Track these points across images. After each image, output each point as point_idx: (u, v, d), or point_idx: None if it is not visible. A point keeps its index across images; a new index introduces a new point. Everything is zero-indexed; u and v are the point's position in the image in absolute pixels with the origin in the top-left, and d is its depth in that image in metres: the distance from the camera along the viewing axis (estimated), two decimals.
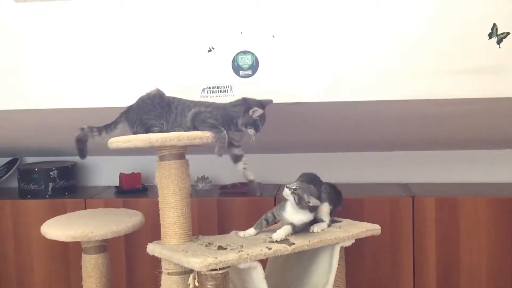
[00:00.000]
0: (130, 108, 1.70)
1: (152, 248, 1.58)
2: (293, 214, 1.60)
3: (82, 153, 1.72)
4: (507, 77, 1.73)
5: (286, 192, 1.57)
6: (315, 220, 1.67)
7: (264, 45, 1.80)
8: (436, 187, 2.39)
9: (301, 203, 1.57)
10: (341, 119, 2.06)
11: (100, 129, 1.68)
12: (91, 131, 1.68)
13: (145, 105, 1.67)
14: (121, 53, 1.86)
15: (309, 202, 1.56)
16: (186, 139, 1.50)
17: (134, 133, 1.65)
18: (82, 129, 1.69)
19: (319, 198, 1.61)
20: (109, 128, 1.69)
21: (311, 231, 1.63)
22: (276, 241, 1.55)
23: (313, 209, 1.61)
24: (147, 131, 1.64)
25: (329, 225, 1.68)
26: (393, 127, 2.15)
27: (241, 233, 1.64)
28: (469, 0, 1.71)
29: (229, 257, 1.42)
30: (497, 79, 1.74)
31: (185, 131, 1.63)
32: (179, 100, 1.70)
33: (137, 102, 1.71)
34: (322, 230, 1.65)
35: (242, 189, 2.39)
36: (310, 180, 1.67)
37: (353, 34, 1.76)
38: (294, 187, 1.57)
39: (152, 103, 1.67)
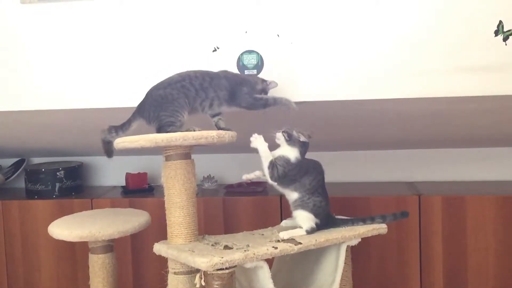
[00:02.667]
0: (143, 104, 1.66)
1: (159, 248, 1.58)
2: (281, 150, 1.63)
3: (109, 152, 1.71)
4: None
5: (277, 135, 1.62)
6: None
7: (269, 44, 1.80)
8: (443, 185, 2.38)
9: (291, 139, 1.61)
10: (347, 118, 2.06)
11: (116, 129, 1.66)
12: (109, 132, 1.66)
13: (162, 101, 1.62)
14: (127, 54, 1.86)
15: (299, 137, 1.60)
16: (192, 139, 1.50)
17: (155, 128, 1.63)
18: (103, 131, 1.67)
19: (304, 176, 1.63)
20: (124, 127, 1.66)
21: (280, 237, 1.58)
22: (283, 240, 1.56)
23: (303, 147, 1.63)
24: (161, 130, 1.60)
25: (308, 233, 1.61)
26: (399, 125, 2.14)
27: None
28: None
29: (235, 256, 1.42)
30: (503, 77, 1.73)
31: (216, 105, 1.65)
32: (189, 75, 1.66)
33: (151, 97, 1.64)
34: (290, 237, 1.58)
35: (248, 188, 2.39)
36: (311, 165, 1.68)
37: (359, 33, 1.76)
38: (283, 129, 1.62)
39: (167, 97, 1.62)
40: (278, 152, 1.64)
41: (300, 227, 1.63)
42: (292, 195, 1.65)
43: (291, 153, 1.63)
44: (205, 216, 2.25)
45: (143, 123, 1.67)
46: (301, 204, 1.63)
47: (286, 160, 1.62)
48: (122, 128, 1.66)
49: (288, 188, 1.64)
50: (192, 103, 1.63)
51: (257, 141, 1.62)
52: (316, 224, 1.63)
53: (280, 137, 1.63)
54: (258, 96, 1.68)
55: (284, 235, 1.59)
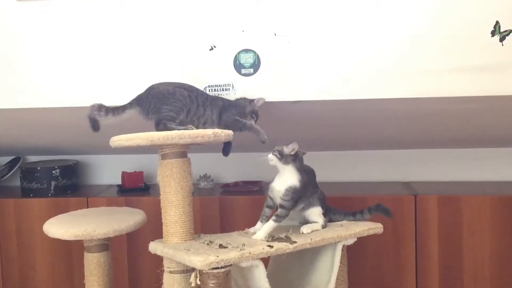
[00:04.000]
0: (144, 95, 1.67)
1: (154, 247, 1.58)
2: (281, 179, 1.62)
3: (95, 127, 1.68)
4: (510, 74, 1.72)
5: (269, 156, 1.61)
6: (307, 221, 1.68)
7: (265, 43, 1.80)
8: (439, 185, 2.39)
9: (283, 156, 1.60)
10: (343, 118, 2.06)
11: (107, 110, 1.64)
12: (99, 109, 1.64)
13: (168, 96, 1.65)
14: (123, 52, 1.86)
15: (291, 152, 1.60)
16: (188, 137, 1.50)
17: (148, 119, 1.64)
18: (93, 106, 1.65)
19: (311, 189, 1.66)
20: (116, 111, 1.64)
21: (300, 231, 1.62)
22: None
23: (297, 161, 1.62)
24: (161, 122, 1.62)
25: (323, 226, 1.66)
26: (396, 125, 2.14)
27: (251, 229, 1.65)
28: None
29: (231, 255, 1.42)
30: (500, 77, 1.73)
31: (209, 125, 1.69)
32: (196, 90, 1.72)
33: (157, 90, 1.67)
34: (312, 231, 1.62)
35: (245, 187, 2.39)
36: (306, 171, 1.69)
37: (356, 32, 1.76)
38: (274, 149, 1.62)
39: (176, 94, 1.65)
40: (278, 185, 1.63)
41: (315, 222, 1.66)
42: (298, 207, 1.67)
43: (292, 178, 1.62)
44: (201, 215, 2.24)
45: (136, 114, 1.66)
46: (310, 204, 1.67)
47: (293, 190, 1.61)
48: (113, 111, 1.65)
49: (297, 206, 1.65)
50: (190, 115, 1.68)
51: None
52: (323, 214, 1.68)
53: (272, 158, 1.61)
54: (240, 119, 1.72)
55: (305, 229, 1.62)
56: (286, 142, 2.40)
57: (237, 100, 1.78)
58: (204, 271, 1.40)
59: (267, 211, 1.66)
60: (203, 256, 1.40)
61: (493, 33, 1.70)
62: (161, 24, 1.83)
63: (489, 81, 1.73)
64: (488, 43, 1.71)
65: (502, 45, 1.71)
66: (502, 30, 1.70)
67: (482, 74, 1.73)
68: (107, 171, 2.66)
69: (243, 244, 1.51)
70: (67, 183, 2.47)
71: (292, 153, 1.61)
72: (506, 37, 1.70)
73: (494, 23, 1.70)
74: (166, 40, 1.83)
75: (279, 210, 1.61)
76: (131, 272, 2.31)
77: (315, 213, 1.68)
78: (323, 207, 1.69)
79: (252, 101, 1.76)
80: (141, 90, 1.73)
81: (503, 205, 2.12)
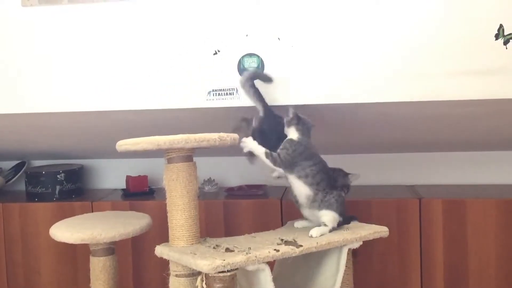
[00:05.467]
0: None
1: (160, 250, 1.58)
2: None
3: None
4: None
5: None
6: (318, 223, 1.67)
7: (269, 47, 1.80)
8: (443, 188, 2.38)
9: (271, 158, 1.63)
10: (347, 121, 2.06)
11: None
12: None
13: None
14: (127, 57, 1.86)
15: (288, 115, 1.67)
16: (194, 141, 1.51)
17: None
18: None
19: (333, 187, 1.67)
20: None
21: (309, 235, 1.61)
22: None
23: (299, 122, 1.68)
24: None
25: (330, 231, 1.64)
26: (400, 129, 2.14)
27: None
28: (475, 1, 1.70)
29: (237, 259, 1.42)
30: (504, 80, 1.73)
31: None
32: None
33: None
34: (321, 235, 1.61)
35: (249, 191, 2.39)
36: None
37: (359, 36, 1.76)
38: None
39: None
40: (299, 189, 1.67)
41: (325, 225, 1.65)
42: (303, 190, 1.65)
43: (291, 134, 1.67)
44: (206, 219, 2.25)
45: None
46: (325, 204, 1.65)
47: (288, 141, 1.64)
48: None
49: (295, 172, 1.64)
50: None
51: (248, 143, 1.66)
52: (339, 222, 1.67)
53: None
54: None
55: (314, 233, 1.61)
56: None
57: (333, 169, 1.76)
58: (210, 275, 1.41)
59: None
60: (209, 260, 1.40)
61: (497, 37, 1.71)
62: (165, 29, 1.84)
63: (493, 84, 1.74)
64: (492, 47, 1.71)
65: (506, 48, 1.71)
66: (506, 33, 1.70)
67: (486, 77, 1.73)
68: (111, 175, 2.67)
69: (249, 248, 1.51)
70: (71, 187, 2.48)
71: (291, 115, 1.65)
72: (510, 40, 1.70)
73: (498, 26, 1.70)
74: (170, 45, 1.84)
75: (274, 154, 1.64)
76: (136, 276, 2.31)
77: (328, 216, 1.65)
78: (341, 214, 1.66)
79: (347, 175, 1.76)
80: (145, 94, 1.73)
81: (508, 208, 2.11)
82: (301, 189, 1.66)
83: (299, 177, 1.65)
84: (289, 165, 1.64)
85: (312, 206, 1.66)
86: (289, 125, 1.69)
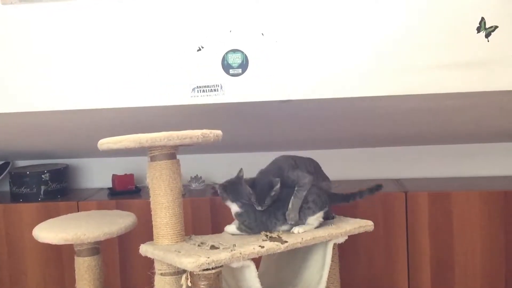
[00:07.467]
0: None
1: (145, 249, 1.57)
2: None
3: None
4: (497, 70, 1.74)
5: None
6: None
7: (253, 43, 1.79)
8: (429, 182, 2.40)
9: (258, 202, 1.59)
10: (332, 116, 2.06)
11: None
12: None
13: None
14: (109, 55, 1.84)
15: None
16: (176, 138, 1.50)
17: None
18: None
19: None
20: None
21: (291, 231, 1.60)
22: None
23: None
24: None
25: (317, 227, 1.63)
26: (385, 122, 2.15)
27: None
28: None
29: (221, 256, 1.42)
30: (487, 73, 1.74)
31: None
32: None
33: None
34: (304, 231, 1.60)
35: None
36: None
37: (343, 30, 1.76)
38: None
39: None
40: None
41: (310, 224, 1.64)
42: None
43: (233, 209, 1.65)
44: (192, 216, 2.24)
45: None
46: (306, 216, 1.62)
47: (236, 215, 1.64)
48: None
49: (278, 217, 1.63)
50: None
51: (228, 231, 1.66)
52: (325, 213, 1.66)
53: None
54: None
55: (296, 230, 1.60)
56: (277, 142, 2.41)
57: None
58: (195, 273, 1.40)
59: None
60: (194, 258, 1.40)
61: (478, 29, 1.72)
62: (147, 25, 1.82)
63: (476, 77, 1.74)
64: (474, 39, 1.72)
65: (488, 41, 1.72)
66: (487, 26, 1.71)
67: (468, 70, 1.74)
68: (97, 174, 2.65)
69: (234, 245, 1.51)
70: (57, 187, 2.46)
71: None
72: (492, 33, 1.71)
73: (480, 19, 1.71)
74: (153, 41, 1.83)
75: (241, 226, 1.64)
76: (122, 275, 2.30)
77: (312, 220, 1.63)
78: (323, 207, 1.64)
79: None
80: (127, 92, 1.72)
81: (493, 200, 2.13)
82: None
83: (283, 218, 1.63)
84: (261, 224, 1.62)
85: (298, 223, 1.64)
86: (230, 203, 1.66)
